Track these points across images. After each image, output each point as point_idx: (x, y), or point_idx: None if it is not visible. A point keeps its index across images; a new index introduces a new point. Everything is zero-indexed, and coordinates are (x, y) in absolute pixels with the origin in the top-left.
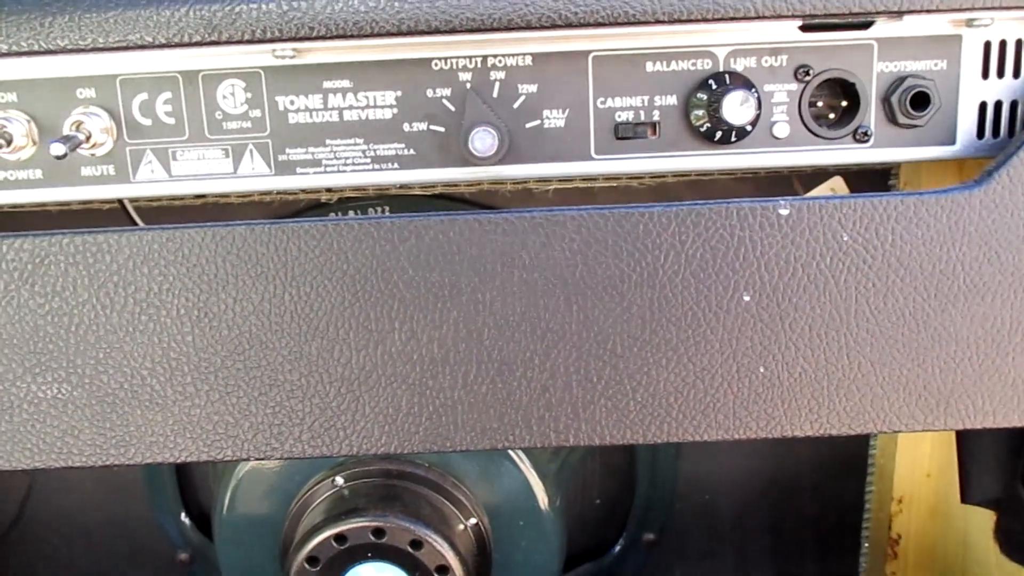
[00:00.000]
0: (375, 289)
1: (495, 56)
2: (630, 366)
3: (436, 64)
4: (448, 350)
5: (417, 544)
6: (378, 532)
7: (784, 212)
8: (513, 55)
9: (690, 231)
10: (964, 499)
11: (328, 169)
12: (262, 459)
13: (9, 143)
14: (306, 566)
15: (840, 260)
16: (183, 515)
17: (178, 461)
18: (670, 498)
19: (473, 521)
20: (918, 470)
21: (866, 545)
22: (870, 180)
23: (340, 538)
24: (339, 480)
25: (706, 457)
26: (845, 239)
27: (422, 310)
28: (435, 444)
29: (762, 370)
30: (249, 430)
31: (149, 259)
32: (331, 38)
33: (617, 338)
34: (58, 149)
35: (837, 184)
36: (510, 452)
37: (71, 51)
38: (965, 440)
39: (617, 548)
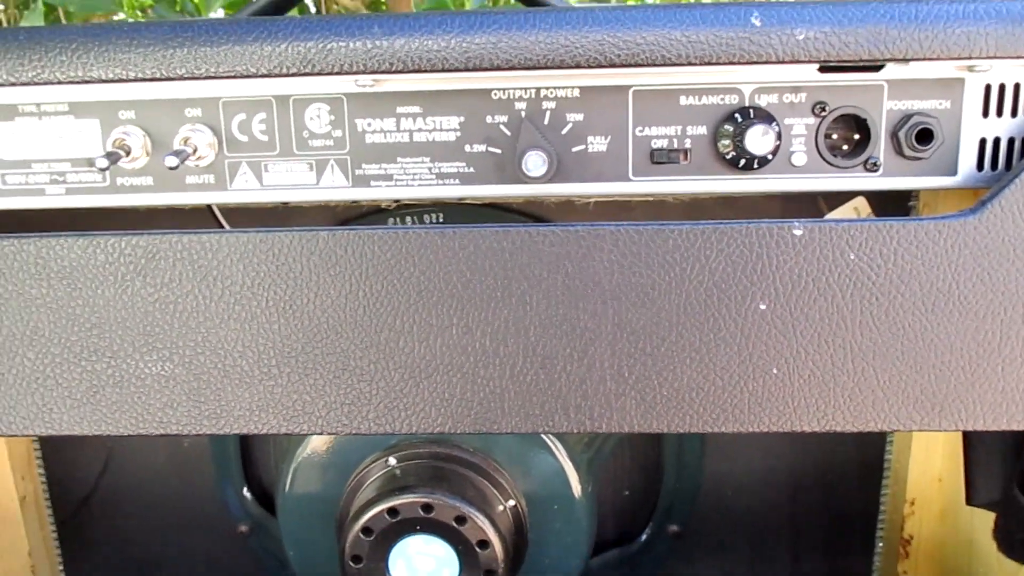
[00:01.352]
0: (436, 289)
1: (547, 88)
2: (657, 363)
3: (495, 94)
4: (499, 344)
5: (461, 520)
6: (427, 507)
7: (798, 232)
8: (563, 87)
9: (714, 246)
10: (969, 501)
11: (398, 183)
12: (333, 433)
13: (128, 153)
14: (361, 536)
15: (847, 276)
16: (245, 490)
17: (261, 432)
18: (694, 492)
19: (512, 503)
20: (930, 474)
21: (880, 545)
22: (893, 201)
23: (392, 512)
24: (392, 460)
25: (729, 455)
26: (852, 258)
27: (477, 308)
28: (484, 426)
29: (775, 371)
30: (323, 408)
31: (244, 257)
32: (406, 72)
33: (647, 338)
34: (172, 161)
35: (860, 203)
36: (547, 441)
37: (185, 79)
38: (970, 445)
39: (643, 537)
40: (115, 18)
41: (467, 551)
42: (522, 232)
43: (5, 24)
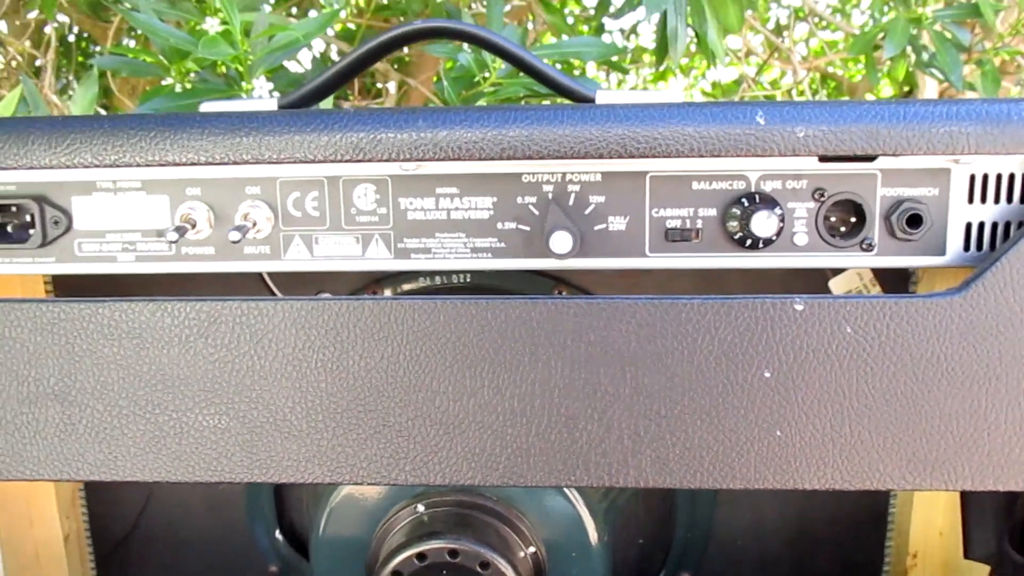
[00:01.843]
0: (469, 353)
1: (572, 173)
2: (671, 424)
3: (525, 178)
4: (525, 404)
5: (485, 565)
6: (453, 553)
7: (799, 307)
8: (587, 172)
9: (722, 319)
10: (966, 555)
11: (436, 256)
12: (373, 484)
13: (194, 226)
14: None
15: (844, 348)
16: (277, 532)
17: (306, 482)
18: (705, 541)
19: (532, 550)
20: (932, 528)
21: None
22: (894, 274)
23: (421, 556)
24: (420, 507)
25: (739, 506)
26: (848, 331)
27: (506, 372)
28: (511, 479)
29: (778, 433)
30: (364, 460)
31: (296, 322)
32: (446, 160)
33: (661, 401)
34: (235, 236)
35: (864, 272)
36: (566, 491)
37: (248, 163)
38: (965, 502)
39: None
40: (164, 83)
41: None
42: (548, 304)
43: (54, 89)
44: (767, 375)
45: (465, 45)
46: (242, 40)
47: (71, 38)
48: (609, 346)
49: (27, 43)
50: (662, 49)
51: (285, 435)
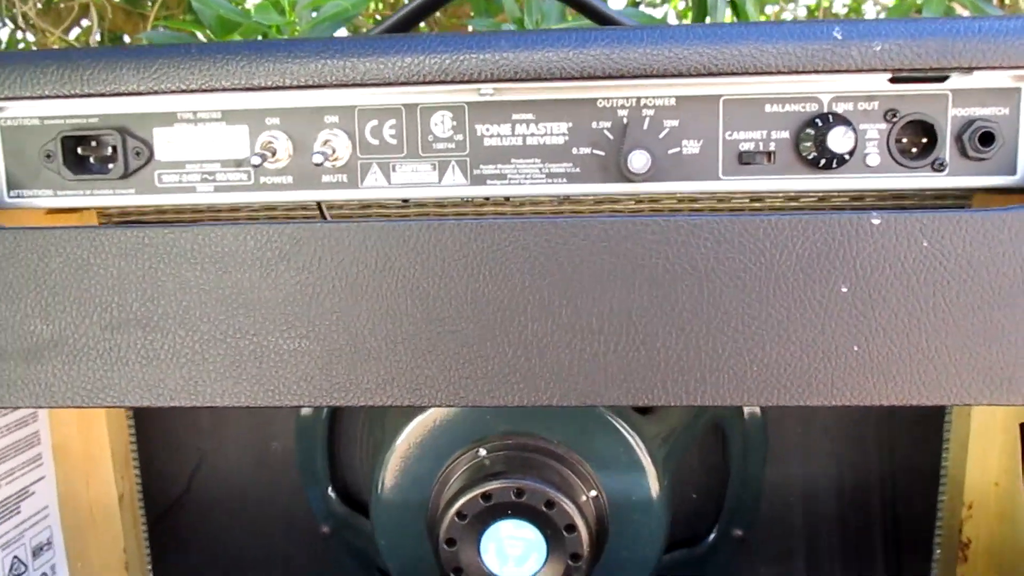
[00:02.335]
0: (549, 274)
1: (647, 98)
2: (749, 341)
3: (600, 103)
4: (604, 322)
5: (550, 504)
6: (518, 492)
7: (876, 222)
8: (661, 97)
9: (800, 235)
10: None
11: (512, 182)
12: (451, 405)
13: (274, 154)
14: (455, 520)
15: (920, 261)
16: (330, 490)
17: (386, 404)
18: (757, 498)
19: (594, 493)
20: (987, 478)
21: (938, 550)
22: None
23: (486, 496)
24: (482, 452)
25: (790, 463)
26: (925, 245)
27: (586, 291)
28: (589, 398)
29: (856, 348)
30: (443, 381)
31: (378, 244)
32: (527, 80)
33: (739, 318)
34: (318, 158)
35: None
36: (627, 437)
37: (331, 86)
38: None
39: (709, 539)
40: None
41: (554, 536)
42: (628, 223)
43: None
44: (844, 290)
45: None
46: (289, 10)
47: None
48: (688, 264)
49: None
50: (700, 17)
51: (365, 358)
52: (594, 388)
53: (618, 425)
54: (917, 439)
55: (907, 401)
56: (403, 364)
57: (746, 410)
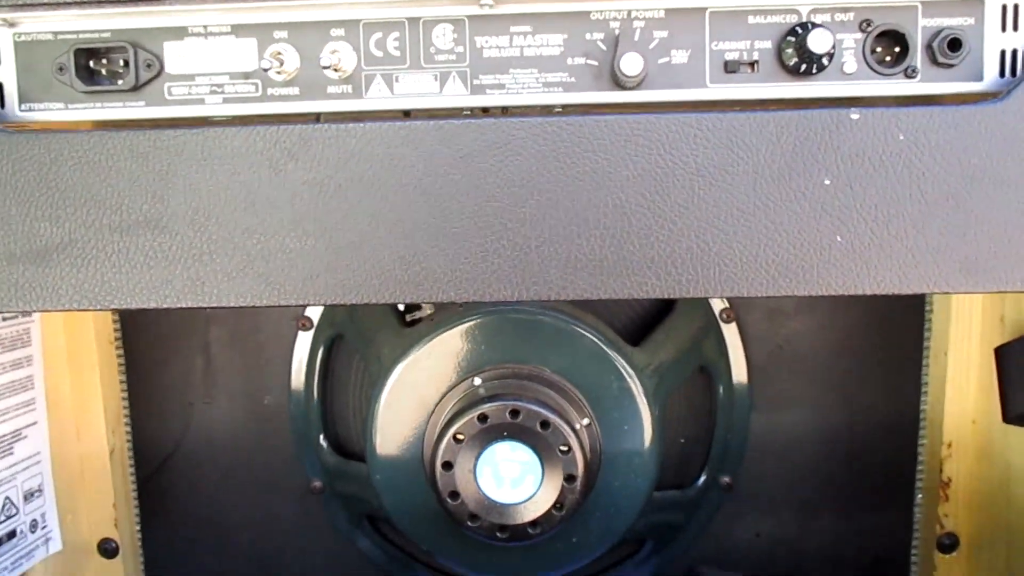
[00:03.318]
0: (548, 169)
1: (637, 9)
2: (738, 232)
3: (593, 15)
4: (601, 216)
5: (546, 425)
6: (514, 413)
7: (855, 117)
8: (651, 9)
9: (785, 130)
10: (1005, 417)
11: (509, 91)
12: (455, 300)
13: (281, 65)
14: (452, 442)
15: (897, 154)
16: (322, 438)
17: (396, 301)
18: (743, 444)
19: (587, 421)
20: (965, 418)
21: (920, 490)
22: None
23: (482, 417)
24: (477, 381)
25: (774, 408)
26: (901, 138)
27: (585, 187)
28: (594, 291)
29: (839, 239)
30: (447, 277)
31: (384, 143)
32: None
33: (729, 212)
34: (325, 61)
35: None
36: (619, 366)
37: (333, 5)
38: (1003, 363)
39: (698, 484)
40: None
41: (550, 457)
42: (619, 120)
43: None
44: (827, 183)
45: None
46: None
47: None
48: (678, 159)
49: None
50: None
51: (370, 256)
52: (592, 281)
53: (610, 354)
54: (896, 384)
55: (889, 290)
56: (407, 260)
57: (731, 354)
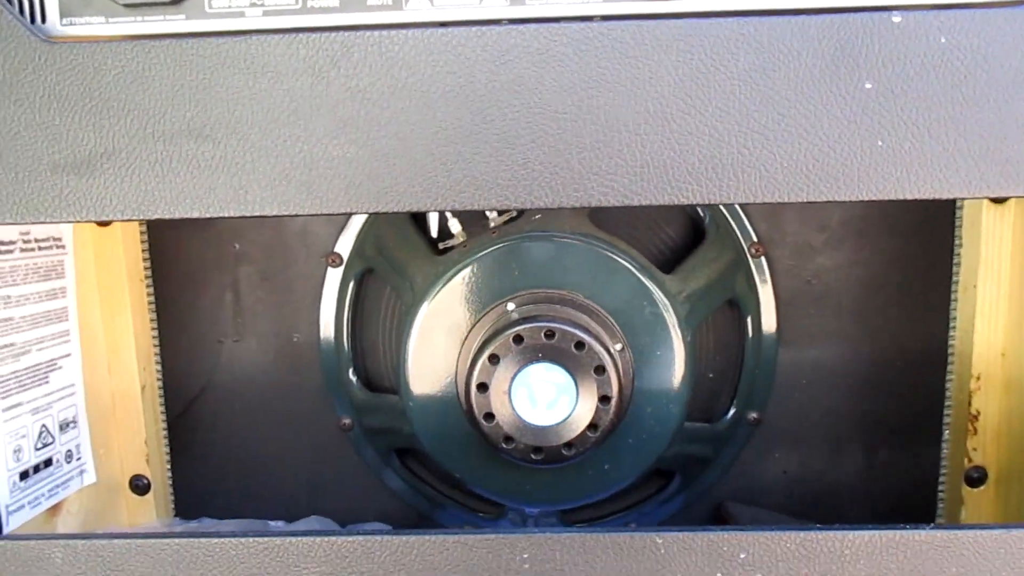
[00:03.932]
0: (589, 75)
1: None
2: (779, 138)
3: None
4: (640, 121)
5: (580, 345)
6: (549, 333)
7: (896, 20)
8: None
9: (825, 34)
10: None
11: (548, 2)
12: (501, 207)
13: None
14: (488, 364)
15: (939, 56)
16: (351, 373)
17: (437, 209)
18: (771, 380)
19: (619, 347)
20: (994, 350)
21: (948, 424)
22: None
23: (518, 338)
24: (510, 306)
25: (803, 346)
26: (943, 41)
27: (624, 93)
28: (629, 198)
29: (880, 143)
30: (489, 184)
31: (425, 51)
32: None
33: (769, 116)
34: None
35: None
36: (652, 291)
37: None
38: None
39: (727, 418)
40: None
41: (584, 378)
42: (660, 25)
43: None
44: (868, 86)
45: None
46: None
47: None
48: (719, 64)
49: None
50: None
51: (412, 163)
52: (633, 187)
53: (643, 279)
54: (925, 318)
55: (929, 194)
56: (449, 167)
57: (760, 289)
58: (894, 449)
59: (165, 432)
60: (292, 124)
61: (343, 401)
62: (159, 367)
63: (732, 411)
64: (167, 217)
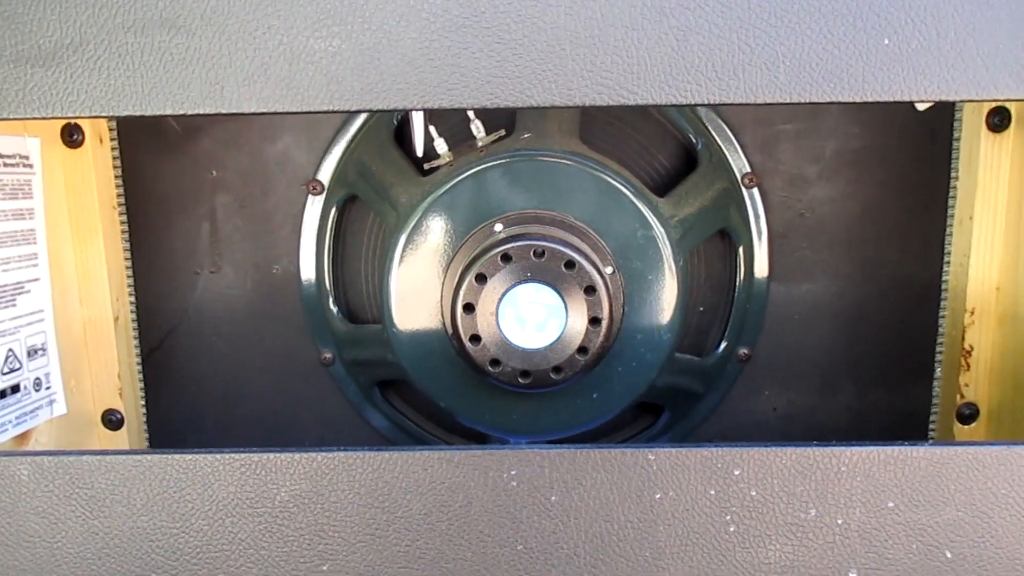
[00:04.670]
0: None
1: None
2: (782, 33)
3: None
4: (637, 16)
5: (571, 265)
6: (539, 252)
7: None
8: None
9: None
10: None
11: None
12: (488, 105)
13: None
14: (474, 283)
15: None
16: (332, 302)
17: (425, 106)
18: (762, 316)
19: (611, 270)
20: (988, 284)
21: (940, 359)
22: None
23: (506, 257)
24: (498, 227)
25: (795, 281)
26: None
27: None
28: (624, 97)
29: (886, 41)
30: (480, 81)
31: None
32: None
33: (774, 11)
34: None
35: None
36: (644, 214)
37: None
38: None
39: (717, 352)
40: None
41: (574, 299)
42: None
43: None
44: None
45: None
46: None
47: None
48: None
49: None
50: None
51: (400, 57)
52: (629, 86)
53: (635, 201)
54: (919, 252)
55: (936, 96)
56: (437, 62)
57: (752, 221)
58: (885, 387)
59: (139, 366)
60: (271, 14)
61: (324, 334)
62: (133, 298)
63: (723, 345)
64: (137, 114)
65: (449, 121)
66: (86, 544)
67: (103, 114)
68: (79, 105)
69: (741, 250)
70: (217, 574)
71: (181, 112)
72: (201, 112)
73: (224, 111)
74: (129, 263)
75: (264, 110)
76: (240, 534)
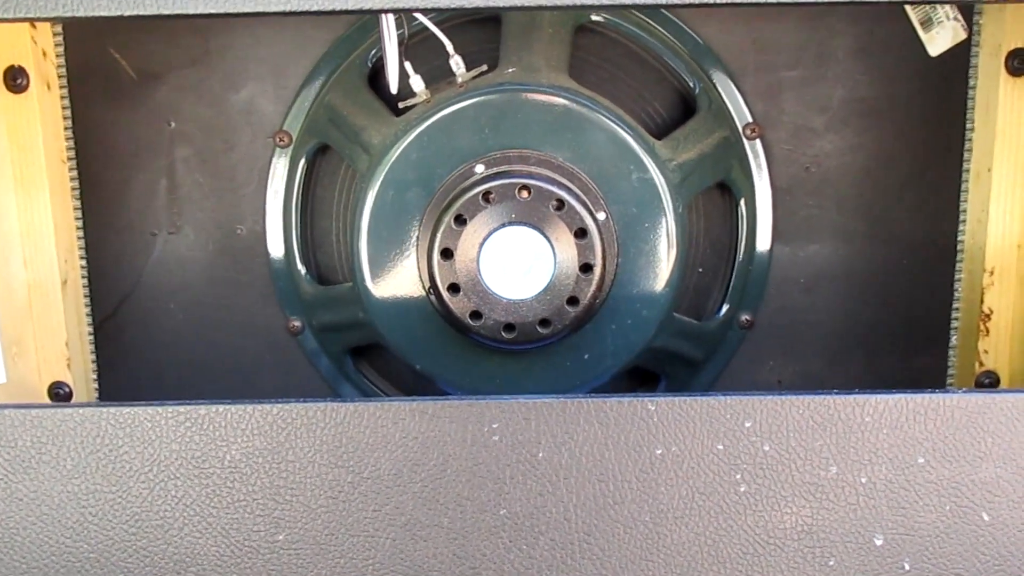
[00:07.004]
0: None
1: None
2: None
3: None
4: None
5: (560, 205)
6: (524, 191)
7: None
8: None
9: None
10: None
11: None
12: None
13: None
14: (452, 226)
15: None
16: (300, 263)
17: (404, 8)
18: (764, 280)
19: (603, 216)
20: (1009, 242)
21: (957, 323)
22: None
23: (487, 196)
24: (479, 167)
25: (799, 244)
26: None
27: None
28: None
29: None
30: None
31: None
32: None
33: None
34: None
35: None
36: (640, 156)
37: None
38: None
39: (718, 316)
40: None
41: (564, 244)
42: None
43: None
44: None
45: None
46: None
47: None
48: None
49: None
50: None
51: None
52: None
53: (630, 141)
54: (934, 208)
55: None
56: None
57: (755, 175)
58: (898, 355)
59: (91, 335)
60: None
61: (292, 300)
62: (84, 260)
63: (724, 309)
64: (81, 15)
65: (427, 59)
66: (7, 511)
67: (44, 16)
68: (14, 7)
69: (743, 208)
70: (158, 543)
71: (132, 13)
72: (152, 13)
73: (193, 11)
74: (80, 222)
75: (230, 10)
76: (185, 498)
